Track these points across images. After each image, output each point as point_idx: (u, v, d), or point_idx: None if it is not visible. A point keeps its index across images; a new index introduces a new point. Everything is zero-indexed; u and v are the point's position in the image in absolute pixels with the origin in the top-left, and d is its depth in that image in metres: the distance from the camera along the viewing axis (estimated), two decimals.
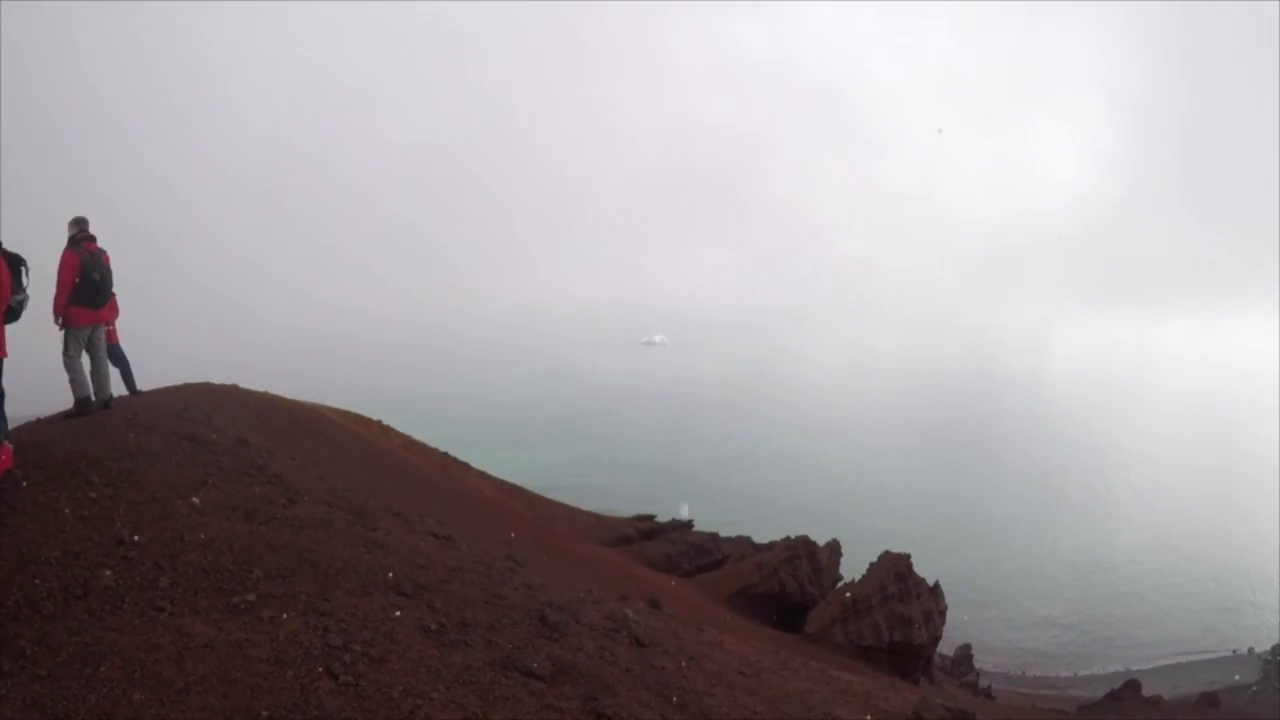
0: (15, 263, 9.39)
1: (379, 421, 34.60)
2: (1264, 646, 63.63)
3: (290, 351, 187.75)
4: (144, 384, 17.23)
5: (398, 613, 7.26)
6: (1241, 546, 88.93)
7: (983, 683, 50.73)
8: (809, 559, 42.04)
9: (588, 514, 47.67)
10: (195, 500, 8.81)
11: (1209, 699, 43.97)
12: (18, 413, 10.02)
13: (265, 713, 5.29)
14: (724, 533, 50.71)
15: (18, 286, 9.40)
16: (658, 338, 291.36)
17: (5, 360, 9.05)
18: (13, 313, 9.36)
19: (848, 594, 37.22)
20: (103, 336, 14.33)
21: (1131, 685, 44.37)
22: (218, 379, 23.33)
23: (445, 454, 38.07)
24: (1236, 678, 57.52)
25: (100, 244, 13.68)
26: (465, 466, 39.08)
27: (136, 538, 7.45)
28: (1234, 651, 65.52)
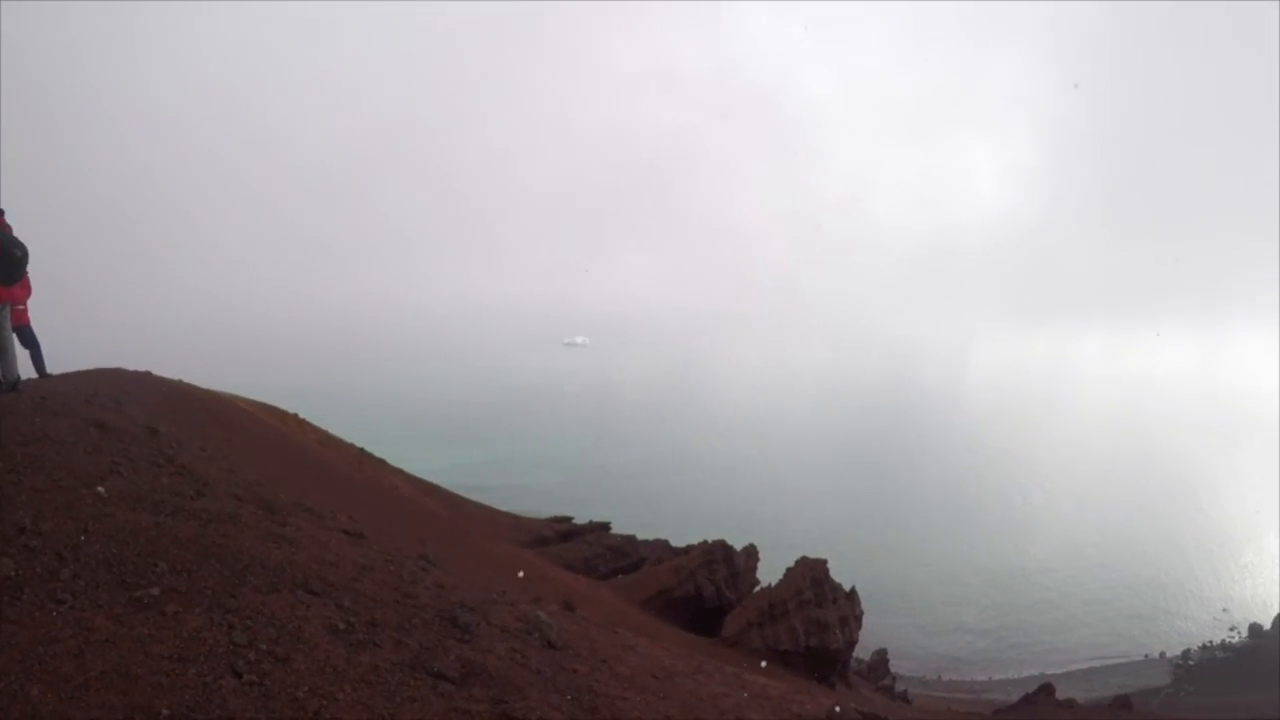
0: None
1: (295, 415, 34.17)
2: (1175, 651, 65.82)
3: (220, 340, 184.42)
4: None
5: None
6: (1153, 555, 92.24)
7: (899, 687, 51.70)
8: (726, 563, 42.38)
9: (506, 514, 47.58)
10: (101, 489, 8.61)
11: (1121, 702, 45.16)
12: None
13: (166, 711, 5.20)
14: (642, 535, 50.98)
15: None
16: (580, 339, 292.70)
17: None
18: None
19: (765, 598, 37.60)
20: (7, 315, 13.93)
21: (1045, 689, 45.44)
22: (143, 365, 22.85)
23: (362, 450, 37.72)
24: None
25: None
26: (382, 463, 38.76)
27: (39, 526, 7.26)
28: (1146, 656, 67.81)
